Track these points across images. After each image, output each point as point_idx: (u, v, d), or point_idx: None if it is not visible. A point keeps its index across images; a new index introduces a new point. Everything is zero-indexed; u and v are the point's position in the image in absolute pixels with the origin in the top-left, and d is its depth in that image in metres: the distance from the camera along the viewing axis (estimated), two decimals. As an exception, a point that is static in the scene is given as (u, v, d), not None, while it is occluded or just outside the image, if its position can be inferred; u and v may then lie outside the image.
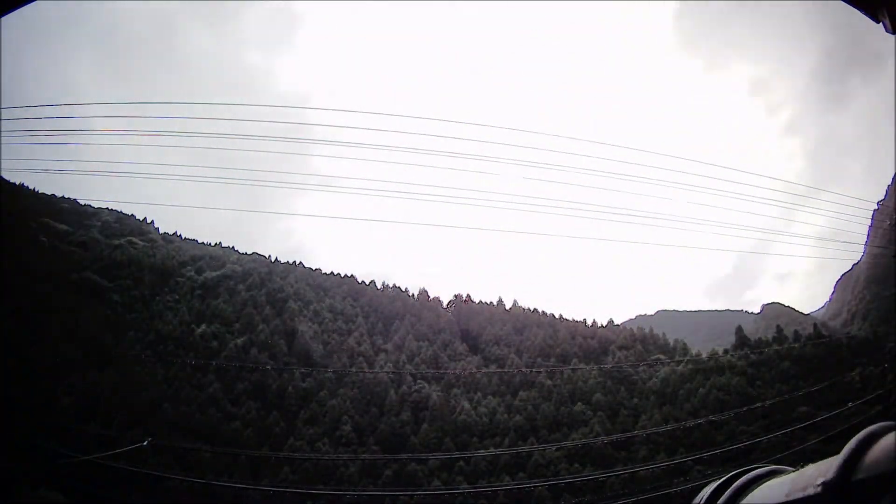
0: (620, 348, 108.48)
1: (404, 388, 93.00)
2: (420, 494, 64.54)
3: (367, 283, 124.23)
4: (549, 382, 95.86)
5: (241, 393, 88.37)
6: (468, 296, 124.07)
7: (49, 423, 60.52)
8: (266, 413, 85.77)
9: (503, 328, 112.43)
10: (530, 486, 68.39)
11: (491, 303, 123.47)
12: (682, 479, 61.58)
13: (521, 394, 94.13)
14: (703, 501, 2.12)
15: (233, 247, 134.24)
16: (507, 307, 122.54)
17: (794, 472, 1.93)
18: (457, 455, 76.40)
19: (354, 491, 64.19)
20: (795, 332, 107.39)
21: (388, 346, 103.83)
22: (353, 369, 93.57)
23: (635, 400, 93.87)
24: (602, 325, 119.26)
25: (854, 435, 1.64)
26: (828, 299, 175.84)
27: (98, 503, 61.25)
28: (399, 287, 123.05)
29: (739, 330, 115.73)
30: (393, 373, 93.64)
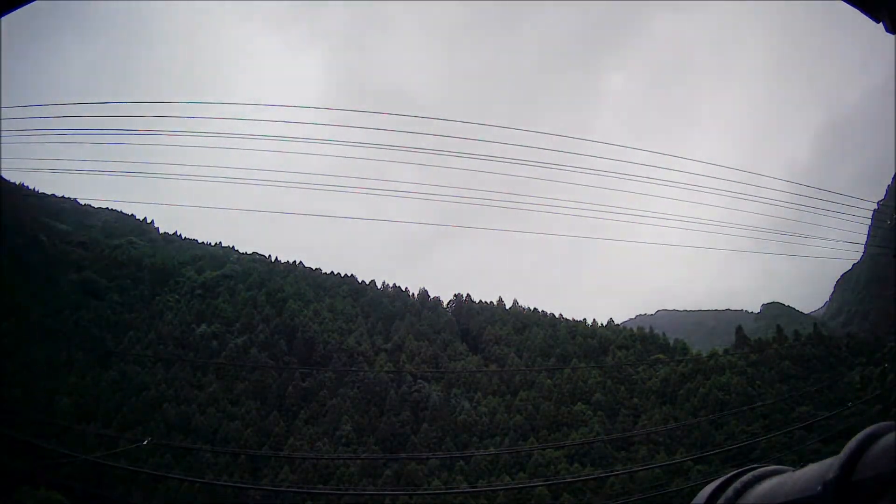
0: (620, 348, 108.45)
1: (404, 387, 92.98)
2: (420, 494, 64.49)
3: (367, 283, 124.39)
4: (549, 382, 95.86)
5: (241, 393, 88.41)
6: (468, 296, 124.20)
7: (49, 423, 60.50)
8: (266, 413, 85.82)
9: (503, 328, 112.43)
10: (530, 486, 68.39)
11: (491, 303, 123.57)
12: (682, 479, 61.60)
13: (521, 394, 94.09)
14: (703, 501, 2.12)
15: (233, 247, 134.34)
16: (507, 307, 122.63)
17: (794, 472, 1.92)
18: (457, 455, 76.42)
19: (354, 491, 64.16)
20: (795, 332, 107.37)
21: (388, 346, 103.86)
22: (354, 369, 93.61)
23: (635, 400, 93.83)
24: (602, 325, 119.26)
25: (854, 435, 1.64)
26: (828, 299, 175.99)
27: (98, 503, 61.32)
28: (399, 287, 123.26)
29: (739, 330, 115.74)
30: (393, 373, 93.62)
